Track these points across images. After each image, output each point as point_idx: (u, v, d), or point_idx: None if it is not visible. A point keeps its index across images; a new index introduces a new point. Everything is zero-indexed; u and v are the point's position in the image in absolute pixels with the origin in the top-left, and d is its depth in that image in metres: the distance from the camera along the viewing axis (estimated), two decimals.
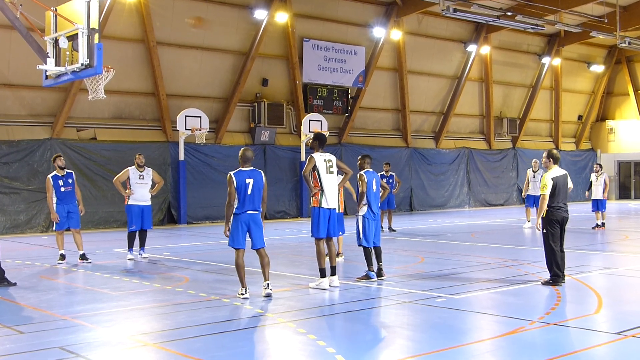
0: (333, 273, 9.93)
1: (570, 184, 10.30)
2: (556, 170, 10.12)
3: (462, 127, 32.23)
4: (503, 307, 8.65)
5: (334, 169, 9.94)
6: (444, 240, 16.97)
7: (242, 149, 9.34)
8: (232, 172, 9.08)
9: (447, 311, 8.25)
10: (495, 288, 9.81)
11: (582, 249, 14.87)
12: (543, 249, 10.18)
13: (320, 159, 9.83)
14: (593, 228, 19.18)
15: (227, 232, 9.08)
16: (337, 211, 10.07)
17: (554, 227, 9.92)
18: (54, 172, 12.99)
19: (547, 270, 10.11)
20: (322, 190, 9.77)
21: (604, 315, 8.03)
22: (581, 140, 37.83)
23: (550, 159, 10.20)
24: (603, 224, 19.32)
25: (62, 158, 13.17)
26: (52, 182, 12.80)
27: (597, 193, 19.44)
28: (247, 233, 9.10)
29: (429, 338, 7.06)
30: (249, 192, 8.99)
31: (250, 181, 9.00)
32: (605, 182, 19.35)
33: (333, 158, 10.02)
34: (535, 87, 34.00)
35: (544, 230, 9.99)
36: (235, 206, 9.03)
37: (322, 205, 9.77)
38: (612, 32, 26.36)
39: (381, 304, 8.98)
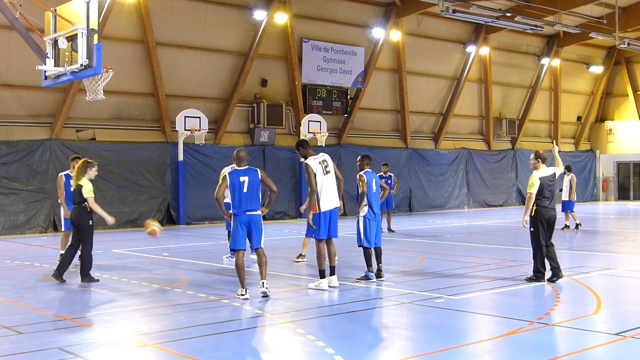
0: (332, 273, 9.94)
1: (558, 173, 10.57)
2: (544, 170, 10.32)
3: (461, 128, 32.25)
4: (502, 307, 8.66)
5: (330, 168, 9.93)
6: (443, 241, 16.97)
7: (236, 149, 9.40)
8: (226, 171, 9.15)
9: (446, 312, 8.25)
10: (494, 289, 9.81)
11: (581, 249, 14.89)
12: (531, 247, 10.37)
13: (315, 162, 9.82)
14: (561, 229, 19.21)
15: (226, 217, 9.17)
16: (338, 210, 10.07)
17: (542, 226, 10.18)
18: (67, 171, 12.88)
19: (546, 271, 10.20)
20: (317, 195, 9.74)
21: (603, 316, 8.03)
22: (580, 141, 37.86)
23: (539, 159, 10.40)
24: (577, 225, 19.35)
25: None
26: (64, 179, 12.60)
27: (564, 195, 19.70)
28: (247, 234, 9.11)
29: (428, 339, 7.07)
30: (245, 190, 8.99)
31: (244, 179, 9.01)
32: (570, 184, 19.49)
33: (327, 157, 10.01)
34: (535, 88, 34.03)
35: (532, 229, 10.25)
36: (232, 206, 9.04)
37: (321, 210, 9.77)
38: (611, 33, 26.37)
39: (380, 305, 8.98)
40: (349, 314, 8.42)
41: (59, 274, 10.75)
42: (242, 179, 9.02)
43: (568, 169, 20.00)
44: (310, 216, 9.83)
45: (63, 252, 12.90)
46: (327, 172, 9.86)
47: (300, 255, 12.95)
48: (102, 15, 18.62)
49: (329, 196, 9.83)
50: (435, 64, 29.71)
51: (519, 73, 33.44)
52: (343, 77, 26.47)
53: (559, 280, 10.16)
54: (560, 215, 19.97)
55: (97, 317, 8.23)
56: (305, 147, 10.04)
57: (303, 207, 10.22)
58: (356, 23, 26.59)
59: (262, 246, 9.21)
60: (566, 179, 19.68)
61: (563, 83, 35.44)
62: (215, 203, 9.27)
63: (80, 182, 10.77)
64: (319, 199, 9.75)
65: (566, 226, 19.43)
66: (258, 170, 9.25)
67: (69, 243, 11.42)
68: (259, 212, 9.13)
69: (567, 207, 19.50)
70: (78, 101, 20.34)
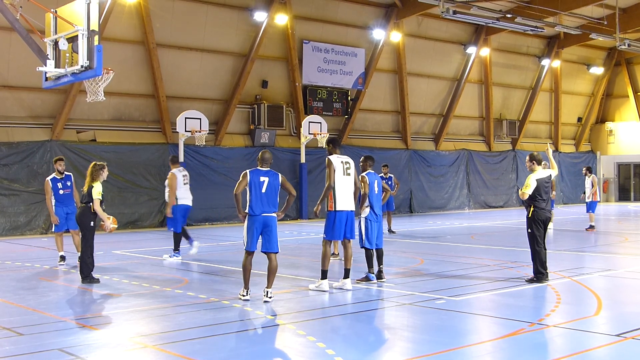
0: (347, 276, 9.89)
1: (553, 175, 10.72)
2: (540, 172, 10.47)
3: (461, 129, 32.25)
4: (503, 308, 8.65)
5: (351, 171, 9.92)
6: (444, 242, 16.97)
7: (262, 150, 9.45)
8: (248, 170, 9.13)
9: (447, 313, 8.25)
10: (495, 290, 9.81)
11: (582, 250, 14.88)
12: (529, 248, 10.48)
13: (338, 160, 9.84)
14: (586, 229, 19.42)
15: (241, 216, 9.10)
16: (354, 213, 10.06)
17: (538, 227, 10.32)
18: (53, 175, 12.97)
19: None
20: (335, 193, 9.75)
21: (603, 317, 8.03)
22: (581, 142, 37.86)
23: (534, 162, 10.60)
24: (591, 227, 19.43)
25: (63, 162, 13.08)
26: (50, 184, 12.78)
27: (587, 195, 19.81)
28: (260, 235, 9.06)
29: (429, 340, 7.06)
30: (263, 191, 8.97)
31: (264, 180, 9.01)
32: (591, 184, 19.52)
33: (351, 161, 10.01)
34: (535, 89, 34.02)
35: (529, 230, 10.40)
36: (248, 205, 9.02)
37: (337, 209, 9.76)
38: (611, 34, 26.38)
39: (381, 306, 8.98)
40: (349, 315, 8.43)
41: (84, 274, 10.77)
42: (262, 179, 9.02)
43: (589, 169, 20.08)
44: (319, 208, 9.82)
45: (62, 253, 12.99)
46: (348, 174, 9.86)
47: (334, 254, 12.86)
48: (102, 17, 18.70)
49: (345, 197, 9.82)
50: (435, 65, 29.71)
51: (519, 74, 33.43)
52: (343, 79, 26.47)
53: (558, 282, 10.16)
54: (585, 215, 20.15)
55: (98, 318, 8.23)
56: (334, 146, 10.06)
57: (318, 208, 10.07)
58: (356, 24, 26.59)
59: (278, 251, 9.11)
60: (588, 180, 19.70)
61: (563, 84, 35.43)
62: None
63: (93, 184, 10.85)
64: (335, 197, 9.75)
65: (591, 226, 19.52)
66: (279, 175, 9.24)
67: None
68: (274, 215, 9.10)
69: (590, 207, 19.52)
70: (78, 102, 20.35)
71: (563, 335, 7.20)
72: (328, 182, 9.76)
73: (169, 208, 13.67)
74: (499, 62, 32.15)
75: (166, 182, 13.95)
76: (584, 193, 20.14)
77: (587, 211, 19.70)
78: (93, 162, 11.20)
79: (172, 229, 13.80)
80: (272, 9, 23.44)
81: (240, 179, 9.03)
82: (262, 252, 9.13)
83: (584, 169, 20.53)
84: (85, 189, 11.00)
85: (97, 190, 10.84)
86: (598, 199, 19.79)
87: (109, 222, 10.96)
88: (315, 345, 6.73)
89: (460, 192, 31.30)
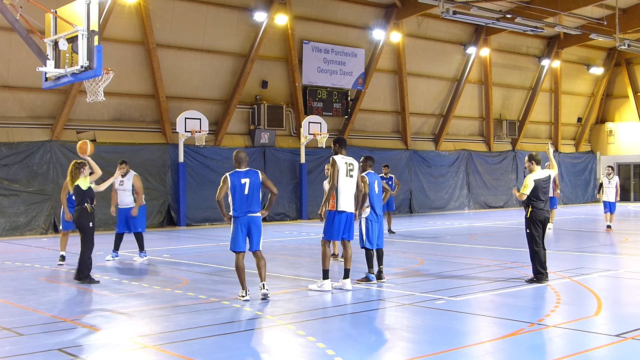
0: (346, 276, 9.89)
1: (553, 176, 10.72)
2: (539, 173, 10.48)
3: (461, 129, 32.26)
4: (502, 309, 8.65)
5: (354, 173, 9.89)
6: (444, 242, 16.97)
7: (235, 151, 9.38)
8: (227, 173, 9.12)
9: (446, 313, 8.25)
10: (494, 290, 9.81)
11: (582, 250, 14.88)
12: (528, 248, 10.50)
13: (342, 161, 9.82)
14: (606, 229, 19.41)
15: (226, 219, 9.16)
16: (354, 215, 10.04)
17: (537, 227, 10.34)
18: None
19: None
20: (337, 193, 9.75)
21: (603, 318, 8.03)
22: (581, 143, 37.86)
23: (533, 162, 10.59)
24: (609, 226, 19.42)
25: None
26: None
27: (610, 195, 19.65)
28: (247, 235, 9.11)
29: (428, 340, 7.06)
30: (246, 192, 8.98)
31: (245, 181, 9.00)
32: (617, 185, 19.52)
33: (355, 163, 9.99)
34: (535, 90, 34.03)
35: (528, 231, 10.40)
36: (232, 208, 9.04)
37: (338, 209, 9.75)
38: (611, 35, 26.40)
39: (381, 306, 8.98)
40: (349, 316, 8.43)
41: (83, 275, 10.75)
42: (243, 180, 9.00)
43: (613, 169, 20.06)
44: (324, 210, 9.81)
45: (63, 252, 12.98)
46: (350, 176, 9.84)
47: (333, 254, 12.90)
48: (102, 17, 18.70)
49: (346, 198, 9.80)
50: (435, 66, 29.72)
51: (519, 74, 33.44)
52: (343, 79, 26.48)
53: (558, 283, 10.16)
54: (596, 216, 20.07)
55: (98, 319, 8.22)
56: (340, 146, 9.99)
57: (323, 210, 9.96)
58: (356, 24, 26.60)
59: (260, 249, 9.22)
60: (612, 180, 19.63)
61: (563, 84, 35.45)
62: (215, 205, 9.25)
63: (77, 183, 10.82)
64: (337, 197, 9.74)
65: (609, 226, 19.55)
66: (259, 172, 9.24)
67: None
68: (259, 214, 9.14)
69: (613, 207, 19.54)
70: (78, 103, 20.36)
71: (563, 336, 7.20)
72: (332, 183, 9.75)
73: (136, 208, 13.65)
74: (499, 62, 32.16)
75: (130, 183, 13.85)
76: (600, 192, 20.00)
77: (612, 211, 19.51)
78: (73, 162, 11.12)
79: (140, 229, 13.59)
80: (272, 9, 23.44)
81: (221, 183, 9.00)
82: (249, 251, 9.21)
83: (607, 167, 20.39)
84: (71, 190, 10.97)
85: (83, 182, 10.82)
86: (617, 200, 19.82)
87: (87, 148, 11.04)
88: (315, 346, 6.73)
89: (460, 193, 31.31)
